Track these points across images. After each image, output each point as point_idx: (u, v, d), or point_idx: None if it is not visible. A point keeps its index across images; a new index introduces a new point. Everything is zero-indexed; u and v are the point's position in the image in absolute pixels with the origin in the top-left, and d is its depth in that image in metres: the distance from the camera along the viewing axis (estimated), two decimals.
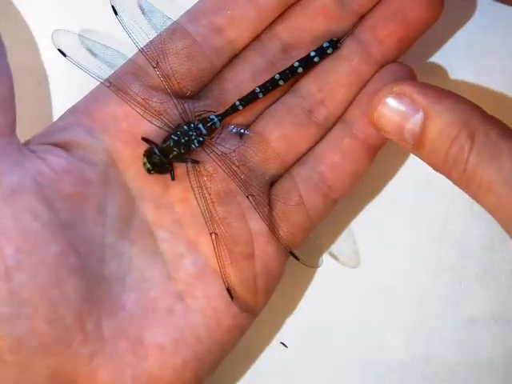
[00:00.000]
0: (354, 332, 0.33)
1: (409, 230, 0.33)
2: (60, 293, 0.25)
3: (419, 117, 0.25)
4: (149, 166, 0.28)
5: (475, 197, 0.25)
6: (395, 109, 0.26)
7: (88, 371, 0.26)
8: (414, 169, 0.33)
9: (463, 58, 0.33)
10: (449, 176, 0.26)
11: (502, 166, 0.24)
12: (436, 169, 0.26)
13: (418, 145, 0.26)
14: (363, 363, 0.33)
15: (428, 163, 0.26)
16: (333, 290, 0.33)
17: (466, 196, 0.32)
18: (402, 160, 0.33)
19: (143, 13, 0.30)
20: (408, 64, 0.30)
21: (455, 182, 0.25)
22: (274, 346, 0.33)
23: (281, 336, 0.33)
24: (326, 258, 0.32)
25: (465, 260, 0.33)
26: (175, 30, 0.30)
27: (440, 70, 0.33)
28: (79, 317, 0.26)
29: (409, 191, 0.33)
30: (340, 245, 0.33)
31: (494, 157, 0.24)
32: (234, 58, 0.30)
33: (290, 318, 0.33)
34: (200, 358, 0.28)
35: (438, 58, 0.33)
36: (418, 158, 0.27)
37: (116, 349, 0.27)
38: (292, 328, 0.33)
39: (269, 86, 0.30)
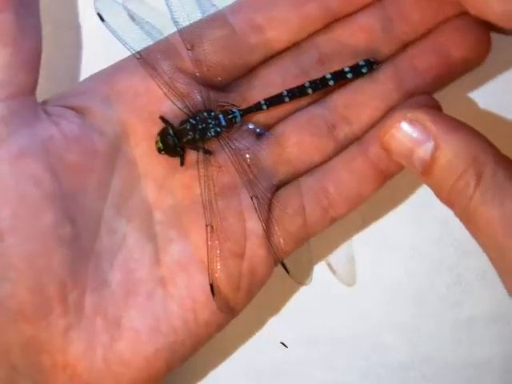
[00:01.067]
0: (353, 332, 0.33)
1: (409, 230, 0.33)
2: (47, 262, 0.25)
3: (430, 145, 0.25)
4: (160, 145, 0.28)
5: (473, 234, 0.25)
6: (407, 134, 0.26)
7: (61, 343, 0.26)
8: None
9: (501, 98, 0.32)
10: (451, 207, 0.26)
11: (503, 208, 0.24)
12: (440, 198, 0.26)
13: (426, 172, 0.26)
14: (363, 363, 0.33)
15: (433, 190, 0.26)
16: (333, 289, 0.33)
17: None
18: None
19: None
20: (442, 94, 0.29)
21: (456, 215, 0.25)
22: (273, 346, 0.33)
23: (281, 336, 0.33)
24: (322, 265, 0.32)
25: (465, 260, 0.33)
26: (216, 18, 0.29)
27: (471, 105, 0.32)
28: (62, 289, 0.26)
29: (409, 191, 0.33)
30: (339, 259, 0.32)
31: (497, 198, 0.24)
32: (268, 58, 0.30)
33: (290, 317, 0.33)
34: (173, 348, 0.28)
35: (472, 93, 0.32)
36: None
37: (92, 325, 0.27)
38: (292, 328, 0.33)
39: (296, 92, 0.30)
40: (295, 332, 0.33)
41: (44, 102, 0.28)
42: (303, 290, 0.33)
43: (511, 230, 0.24)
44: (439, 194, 0.26)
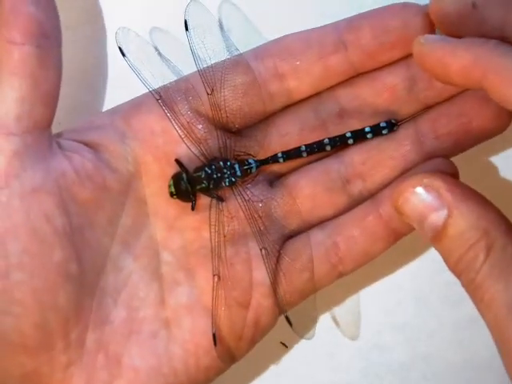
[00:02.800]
0: (353, 332, 0.33)
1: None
2: (52, 299, 0.25)
3: (443, 213, 0.25)
4: (173, 190, 0.28)
5: (478, 309, 0.25)
6: (422, 199, 0.25)
7: (61, 378, 0.26)
8: None
9: None
10: (458, 277, 0.25)
11: (509, 286, 0.23)
12: (448, 265, 0.26)
13: (436, 238, 0.25)
14: (363, 363, 0.33)
15: (442, 257, 0.26)
16: (333, 289, 0.33)
17: None
18: None
19: (220, 34, 0.30)
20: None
21: (463, 286, 0.25)
22: (274, 346, 0.33)
23: (281, 336, 0.33)
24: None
25: None
26: (239, 63, 0.29)
27: (489, 172, 0.32)
28: (65, 325, 0.26)
29: None
30: (344, 312, 0.33)
31: (504, 275, 0.24)
32: (288, 106, 0.30)
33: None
34: None
35: (491, 157, 0.32)
36: None
37: (93, 362, 0.27)
38: None
39: (315, 148, 0.29)
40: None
41: (58, 135, 0.28)
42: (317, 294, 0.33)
43: None
44: (447, 261, 0.26)
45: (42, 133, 0.26)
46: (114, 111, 0.29)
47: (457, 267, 0.25)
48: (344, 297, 0.33)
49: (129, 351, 0.27)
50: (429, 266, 0.33)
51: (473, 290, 0.24)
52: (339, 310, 0.33)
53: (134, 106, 0.29)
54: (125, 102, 0.29)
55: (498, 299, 0.23)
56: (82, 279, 0.26)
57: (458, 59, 0.24)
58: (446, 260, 0.26)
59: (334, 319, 0.32)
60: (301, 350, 0.33)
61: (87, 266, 0.27)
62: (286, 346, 0.31)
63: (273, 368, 0.33)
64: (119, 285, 0.28)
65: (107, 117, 0.29)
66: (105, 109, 0.30)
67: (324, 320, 0.33)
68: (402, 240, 0.33)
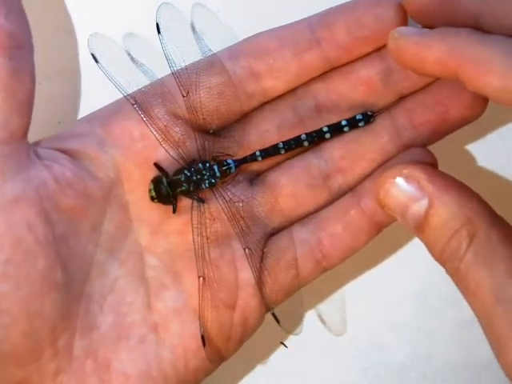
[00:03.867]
0: (354, 332, 0.33)
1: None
2: (39, 307, 0.25)
3: (424, 203, 0.25)
4: (153, 194, 0.28)
5: (465, 296, 0.25)
6: (402, 189, 0.25)
7: None
8: None
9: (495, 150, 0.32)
10: (443, 266, 0.25)
11: (494, 273, 0.23)
12: (433, 255, 0.26)
13: (419, 229, 0.25)
14: (363, 363, 0.33)
15: (426, 247, 0.26)
16: (333, 289, 0.33)
17: None
18: None
19: (193, 34, 0.30)
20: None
21: (448, 274, 0.25)
22: (274, 346, 0.33)
23: (281, 336, 0.33)
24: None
25: None
26: (213, 64, 0.29)
27: (467, 157, 0.33)
28: (53, 332, 0.26)
29: None
30: (330, 308, 0.33)
31: (489, 262, 0.23)
32: (265, 103, 0.30)
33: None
34: None
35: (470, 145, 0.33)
36: None
37: (82, 368, 0.27)
38: None
39: (293, 144, 0.29)
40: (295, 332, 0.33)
41: (36, 144, 0.28)
42: (303, 290, 0.33)
43: (500, 295, 0.23)
44: (432, 251, 0.26)
45: (20, 143, 0.26)
46: (91, 118, 0.29)
47: (441, 257, 0.25)
48: (329, 292, 0.33)
49: (118, 356, 0.27)
50: (429, 265, 0.33)
51: (458, 278, 0.24)
52: (324, 307, 0.33)
53: (112, 112, 0.29)
54: (102, 107, 0.29)
55: (483, 287, 0.23)
56: (68, 286, 0.26)
57: (433, 51, 0.24)
58: (430, 250, 0.26)
59: (320, 317, 0.32)
60: (301, 349, 0.33)
61: (72, 273, 0.27)
62: (286, 346, 0.31)
63: (273, 368, 0.33)
64: (105, 290, 0.28)
65: (86, 124, 0.29)
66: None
67: (324, 319, 0.33)
68: (401, 240, 0.33)
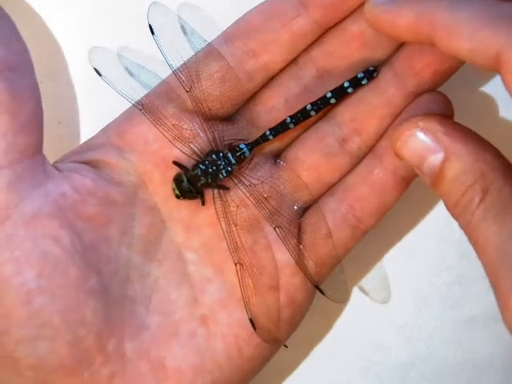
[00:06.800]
0: (354, 332, 0.33)
1: (409, 230, 0.33)
2: (79, 315, 0.26)
3: (440, 156, 0.25)
4: (177, 192, 0.28)
5: (476, 252, 0.24)
6: (419, 141, 0.25)
7: None
8: None
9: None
10: (456, 220, 0.25)
11: (502, 229, 0.23)
12: (447, 208, 0.25)
13: (435, 182, 0.25)
14: (363, 363, 0.33)
15: (442, 201, 0.26)
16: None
17: None
18: None
19: (184, 33, 0.30)
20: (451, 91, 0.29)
21: (461, 227, 0.25)
22: None
23: None
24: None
25: (465, 260, 0.33)
26: (209, 53, 0.29)
27: (483, 99, 0.32)
28: (99, 338, 0.26)
29: (409, 191, 0.33)
30: (370, 279, 0.33)
31: (499, 218, 0.23)
32: (269, 80, 0.30)
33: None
34: None
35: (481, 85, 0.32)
36: None
37: (137, 370, 0.27)
38: None
39: (300, 117, 0.29)
40: (295, 332, 0.33)
41: (59, 160, 0.28)
42: None
43: (505, 251, 0.23)
44: (447, 204, 0.25)
45: (32, 160, 0.26)
46: (107, 129, 0.29)
47: (455, 210, 0.25)
48: (366, 263, 0.33)
49: (171, 353, 0.27)
50: (429, 266, 0.33)
51: (469, 232, 0.24)
52: (364, 280, 0.33)
53: (125, 120, 0.29)
54: (115, 118, 0.29)
55: (490, 242, 0.23)
56: (106, 292, 0.27)
57: (403, 19, 0.24)
58: (445, 203, 0.26)
59: (362, 290, 0.32)
60: (301, 349, 0.33)
61: (109, 278, 0.27)
62: (286, 346, 0.31)
63: (272, 367, 0.33)
64: (148, 291, 0.28)
65: (102, 135, 0.29)
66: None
67: (324, 319, 0.33)
68: (401, 240, 0.33)
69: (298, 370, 0.33)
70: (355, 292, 0.33)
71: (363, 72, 0.29)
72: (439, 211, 0.33)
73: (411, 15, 0.24)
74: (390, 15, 0.25)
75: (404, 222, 0.33)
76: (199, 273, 0.29)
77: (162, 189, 0.29)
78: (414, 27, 0.24)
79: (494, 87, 0.32)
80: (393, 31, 0.25)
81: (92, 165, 0.28)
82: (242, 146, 0.29)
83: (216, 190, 0.29)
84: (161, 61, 0.29)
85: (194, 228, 0.29)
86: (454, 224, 0.33)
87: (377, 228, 0.33)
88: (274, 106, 0.30)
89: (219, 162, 0.29)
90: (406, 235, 0.33)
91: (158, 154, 0.29)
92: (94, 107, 0.32)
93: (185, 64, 0.29)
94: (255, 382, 0.33)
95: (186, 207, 0.29)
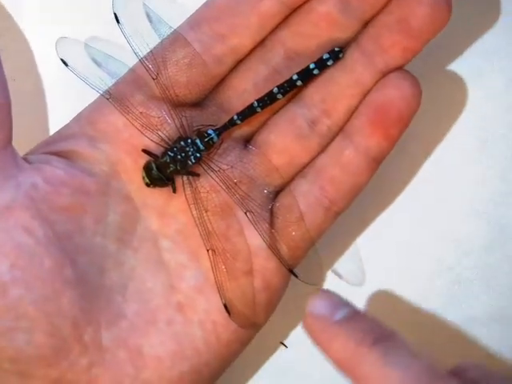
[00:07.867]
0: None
1: (409, 230, 0.33)
2: (56, 305, 0.26)
3: None
4: (147, 180, 0.29)
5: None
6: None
7: (87, 380, 0.26)
8: (414, 169, 0.33)
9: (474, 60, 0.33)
10: None
11: None
12: None
13: None
14: None
15: None
16: (333, 289, 0.33)
17: (466, 195, 0.32)
18: (401, 159, 0.33)
19: (150, 21, 0.30)
20: (417, 68, 0.29)
21: None
22: (273, 346, 0.33)
23: (281, 336, 0.33)
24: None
25: (465, 260, 0.33)
26: (176, 39, 0.29)
27: (450, 74, 0.33)
28: (76, 328, 0.26)
29: (408, 191, 0.33)
30: (345, 262, 0.33)
31: None
32: (238, 64, 0.30)
33: (291, 317, 0.33)
34: (198, 370, 0.28)
35: (449, 61, 0.33)
36: (416, 158, 0.27)
37: (115, 358, 0.27)
38: (292, 328, 0.33)
39: (267, 100, 0.29)
40: (295, 332, 0.33)
41: (30, 152, 0.28)
42: (304, 290, 0.33)
43: None
44: None
45: (2, 153, 0.26)
46: (78, 118, 0.29)
47: None
48: (342, 246, 0.33)
49: (148, 341, 0.27)
50: (429, 266, 0.33)
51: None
52: (339, 263, 0.33)
53: (96, 110, 0.29)
54: (86, 106, 0.30)
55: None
56: (83, 281, 0.27)
57: (336, 346, 0.24)
58: None
59: (336, 273, 0.32)
60: (300, 349, 0.33)
61: (84, 268, 0.27)
62: (286, 346, 0.31)
63: (272, 367, 0.33)
64: (124, 280, 0.28)
65: (73, 125, 0.29)
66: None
67: None
68: (401, 240, 0.33)
69: (298, 370, 0.33)
70: (355, 291, 0.33)
71: (328, 53, 0.29)
72: (439, 211, 0.33)
73: (341, 349, 0.24)
74: (324, 335, 0.24)
75: (404, 222, 0.33)
76: (175, 260, 0.29)
77: (135, 177, 0.29)
78: (342, 360, 0.24)
79: (461, 65, 0.33)
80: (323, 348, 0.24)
81: (64, 155, 0.28)
82: (210, 131, 0.29)
83: (186, 177, 0.29)
84: (129, 50, 0.29)
85: (168, 215, 0.29)
86: (454, 223, 0.33)
87: (376, 228, 0.33)
88: (245, 90, 0.30)
89: (188, 149, 0.29)
90: (406, 235, 0.33)
91: (130, 142, 0.29)
92: (64, 97, 0.32)
93: (151, 51, 0.29)
94: (256, 381, 0.33)
95: (159, 195, 0.29)
